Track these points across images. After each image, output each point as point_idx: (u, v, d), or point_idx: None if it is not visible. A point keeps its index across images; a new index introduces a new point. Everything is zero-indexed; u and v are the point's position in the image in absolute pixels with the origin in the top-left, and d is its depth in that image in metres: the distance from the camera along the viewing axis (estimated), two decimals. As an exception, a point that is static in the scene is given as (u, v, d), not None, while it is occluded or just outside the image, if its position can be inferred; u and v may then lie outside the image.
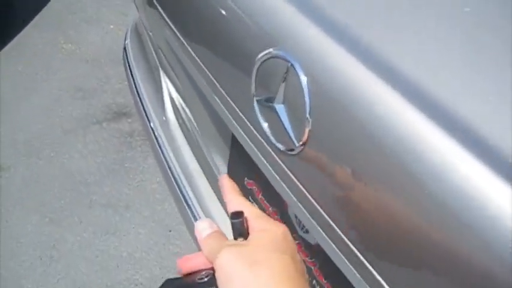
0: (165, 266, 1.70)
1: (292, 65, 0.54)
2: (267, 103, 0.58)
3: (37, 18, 2.78)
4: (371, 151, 0.47)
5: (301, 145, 0.54)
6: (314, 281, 0.73)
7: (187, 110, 1.05)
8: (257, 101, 0.60)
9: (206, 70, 0.74)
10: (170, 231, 1.80)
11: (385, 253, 0.49)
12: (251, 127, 0.63)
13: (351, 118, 0.49)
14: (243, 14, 0.63)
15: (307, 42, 0.54)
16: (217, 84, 0.72)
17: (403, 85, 0.46)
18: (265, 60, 0.58)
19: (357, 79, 0.49)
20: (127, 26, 1.44)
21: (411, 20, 0.53)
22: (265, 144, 0.62)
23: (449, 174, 0.41)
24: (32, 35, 2.67)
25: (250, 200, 0.84)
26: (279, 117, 0.56)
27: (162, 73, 1.15)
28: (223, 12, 0.65)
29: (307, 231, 0.72)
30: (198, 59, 0.76)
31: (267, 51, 0.57)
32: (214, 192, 1.01)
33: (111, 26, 2.74)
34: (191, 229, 1.02)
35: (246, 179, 0.85)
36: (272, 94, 0.57)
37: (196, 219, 0.99)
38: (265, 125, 0.59)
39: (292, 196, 0.60)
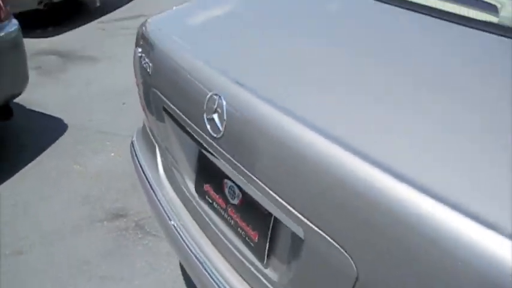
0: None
1: (220, 97, 1.19)
2: (209, 116, 1.21)
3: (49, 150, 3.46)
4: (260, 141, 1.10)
5: (223, 133, 1.17)
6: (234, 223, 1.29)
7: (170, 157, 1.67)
8: (206, 116, 1.23)
9: (180, 110, 1.39)
10: None
11: (299, 192, 1.08)
12: (200, 130, 1.26)
13: (248, 122, 1.12)
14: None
15: (228, 89, 1.19)
16: (183, 113, 1.36)
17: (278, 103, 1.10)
18: (210, 96, 1.22)
19: (250, 102, 1.13)
20: (126, 152, 2.07)
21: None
22: (207, 136, 1.24)
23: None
24: (45, 162, 3.33)
25: (207, 199, 1.42)
26: (215, 121, 1.19)
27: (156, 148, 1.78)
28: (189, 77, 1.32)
29: (237, 197, 1.30)
30: (173, 104, 1.41)
31: (210, 93, 1.22)
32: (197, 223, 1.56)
33: (112, 154, 3.41)
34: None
35: (204, 184, 1.44)
36: (212, 111, 1.21)
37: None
38: (208, 126, 1.22)
39: (226, 164, 1.20)
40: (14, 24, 3.19)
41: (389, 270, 0.82)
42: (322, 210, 0.93)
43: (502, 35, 1.21)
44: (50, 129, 3.71)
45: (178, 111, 1.38)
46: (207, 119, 1.21)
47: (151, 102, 1.62)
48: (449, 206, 0.75)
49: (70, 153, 3.43)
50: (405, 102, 1.01)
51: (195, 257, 1.38)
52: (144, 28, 1.73)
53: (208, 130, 1.21)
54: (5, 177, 3.14)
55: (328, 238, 0.91)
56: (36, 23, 5.59)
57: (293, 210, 0.99)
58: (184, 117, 1.35)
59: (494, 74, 1.08)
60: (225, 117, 1.15)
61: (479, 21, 1.27)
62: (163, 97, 1.49)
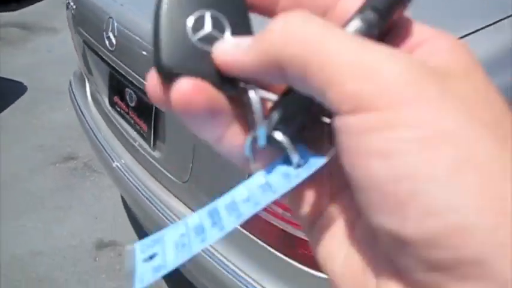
0: None
1: (112, 18, 1.53)
2: (107, 34, 1.56)
3: (10, 108, 3.78)
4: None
5: (115, 46, 1.52)
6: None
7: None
8: (105, 35, 1.58)
9: (91, 37, 1.74)
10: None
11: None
12: (102, 47, 1.61)
13: (131, 36, 1.47)
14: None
15: (116, 12, 1.54)
16: (93, 38, 1.71)
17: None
18: (107, 19, 1.57)
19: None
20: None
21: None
22: (106, 51, 1.59)
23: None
24: (6, 118, 3.65)
25: (116, 108, 1.77)
26: (110, 38, 1.54)
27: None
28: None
29: (134, 101, 1.65)
30: (88, 34, 1.76)
31: (107, 16, 1.57)
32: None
33: (67, 109, 3.74)
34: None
35: (114, 97, 1.79)
36: (109, 30, 1.55)
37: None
38: (106, 42, 1.57)
39: (123, 73, 1.56)
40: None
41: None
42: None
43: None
44: (11, 90, 4.02)
45: (90, 38, 1.73)
46: (106, 37, 1.56)
47: (77, 39, 1.96)
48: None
49: (29, 110, 3.75)
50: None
51: (106, 152, 1.74)
52: (72, -21, 2.06)
53: (107, 46, 1.56)
54: (-31, 131, 3.46)
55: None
56: (-1, -1, 5.81)
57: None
58: (93, 41, 1.69)
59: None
60: (115, 33, 1.50)
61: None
62: (82, 31, 1.83)
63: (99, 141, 1.87)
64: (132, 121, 1.66)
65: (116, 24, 1.51)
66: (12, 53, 4.81)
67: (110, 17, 1.53)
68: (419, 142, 0.19)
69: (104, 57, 1.66)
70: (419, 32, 0.23)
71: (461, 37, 1.01)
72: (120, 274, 2.31)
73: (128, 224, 2.59)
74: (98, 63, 1.82)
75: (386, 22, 0.23)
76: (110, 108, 1.83)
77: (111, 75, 1.73)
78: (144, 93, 1.47)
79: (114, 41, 1.51)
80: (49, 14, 5.79)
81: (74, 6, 1.91)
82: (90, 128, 1.94)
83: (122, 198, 2.74)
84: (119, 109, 1.75)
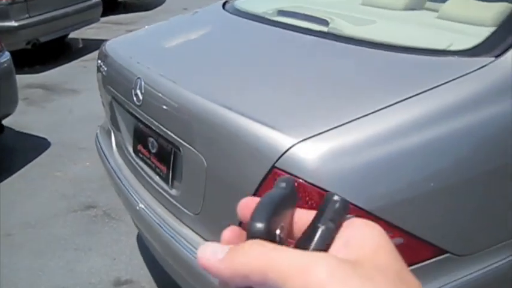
0: None
1: (140, 79, 1.85)
2: (135, 91, 1.87)
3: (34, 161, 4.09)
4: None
5: (142, 101, 1.83)
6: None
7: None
8: (133, 92, 1.90)
9: (120, 94, 2.06)
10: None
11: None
12: (130, 102, 1.93)
13: (156, 93, 1.79)
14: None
15: (144, 73, 1.86)
16: (122, 95, 2.03)
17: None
18: (135, 79, 1.89)
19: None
20: (99, 162, 2.70)
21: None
22: (134, 105, 1.90)
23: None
24: (31, 170, 3.96)
25: (139, 155, 2.06)
26: (138, 94, 1.86)
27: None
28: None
29: (155, 147, 1.94)
30: (117, 92, 2.08)
31: (135, 77, 1.89)
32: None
33: (87, 163, 4.05)
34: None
35: (138, 145, 2.09)
36: (137, 88, 1.87)
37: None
38: (134, 98, 1.88)
39: (147, 123, 1.86)
40: (6, 55, 3.88)
41: (219, 158, 1.48)
42: (192, 136, 1.60)
43: (330, 39, 1.90)
44: (36, 145, 4.35)
45: (119, 95, 2.05)
46: (134, 94, 1.87)
47: (106, 96, 2.28)
48: (248, 118, 1.42)
49: (52, 163, 4.06)
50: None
51: (131, 195, 2.02)
52: (103, 47, 2.41)
53: (134, 101, 1.87)
54: (-3, 182, 3.77)
55: (192, 148, 1.57)
56: (24, 62, 6.24)
57: (180, 140, 1.65)
58: (122, 97, 2.01)
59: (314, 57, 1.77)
60: (143, 91, 1.81)
61: (315, 30, 1.97)
62: (112, 89, 2.16)
63: (124, 186, 2.15)
64: (153, 165, 1.94)
65: (143, 83, 1.82)
66: (36, 112, 5.18)
67: (138, 78, 1.85)
68: None
69: (131, 110, 1.97)
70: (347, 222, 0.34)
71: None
72: (135, 309, 2.54)
73: (143, 265, 2.82)
74: (125, 117, 2.12)
75: (339, 226, 0.34)
76: (133, 155, 2.12)
77: (136, 126, 2.03)
78: (164, 140, 1.77)
79: (141, 97, 1.83)
80: (70, 77, 6.22)
81: (106, 69, 2.24)
82: (116, 174, 2.23)
83: (138, 242, 2.99)
84: (141, 155, 2.04)
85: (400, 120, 1.38)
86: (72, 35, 7.63)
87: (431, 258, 1.43)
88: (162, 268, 2.64)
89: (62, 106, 5.35)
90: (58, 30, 6.67)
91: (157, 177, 1.94)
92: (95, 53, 7.11)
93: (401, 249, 1.18)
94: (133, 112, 1.94)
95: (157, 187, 1.92)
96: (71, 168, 3.99)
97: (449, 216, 1.44)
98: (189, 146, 1.59)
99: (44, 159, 4.14)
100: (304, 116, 1.44)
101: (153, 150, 1.93)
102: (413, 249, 1.40)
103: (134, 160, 2.12)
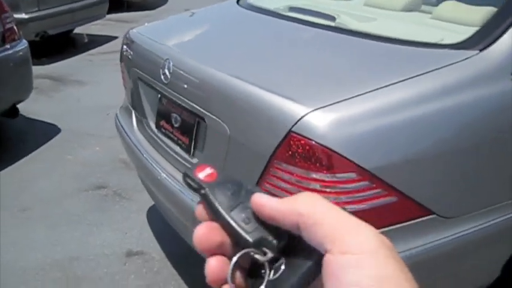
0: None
1: (169, 60, 2.09)
2: (163, 71, 2.11)
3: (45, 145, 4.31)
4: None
5: (170, 79, 2.07)
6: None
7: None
8: (161, 72, 2.14)
9: (148, 74, 2.30)
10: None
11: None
12: (158, 81, 2.17)
13: (183, 72, 2.03)
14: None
15: (173, 55, 2.10)
16: (150, 75, 2.26)
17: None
18: (164, 60, 2.13)
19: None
20: (107, 147, 2.94)
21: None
22: (161, 84, 2.14)
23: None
24: (44, 153, 4.18)
25: (162, 130, 2.30)
26: (166, 73, 2.10)
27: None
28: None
29: (178, 122, 2.18)
30: (144, 73, 2.32)
31: (164, 58, 2.13)
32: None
33: (97, 148, 4.27)
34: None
35: (161, 121, 2.32)
36: (165, 68, 2.11)
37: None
38: (162, 77, 2.12)
39: (173, 99, 2.10)
40: (24, 43, 4.10)
41: (240, 126, 1.72)
42: (217, 108, 1.84)
43: (337, 32, 2.15)
44: (46, 131, 4.57)
45: (147, 76, 2.28)
46: (162, 73, 2.11)
47: (131, 78, 2.52)
48: (268, 91, 1.66)
49: (63, 148, 4.28)
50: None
51: (155, 168, 2.25)
52: (128, 34, 2.65)
53: (162, 80, 2.11)
54: (12, 162, 3.97)
55: (217, 118, 1.81)
56: (32, 53, 6.43)
57: (206, 112, 1.89)
58: (150, 77, 2.25)
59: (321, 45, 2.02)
60: (171, 70, 2.05)
61: (323, 25, 2.22)
62: (138, 70, 2.40)
63: (146, 159, 2.38)
64: (176, 138, 2.18)
65: (171, 63, 2.06)
66: (45, 101, 5.40)
67: (167, 59, 2.09)
68: (377, 279, 0.35)
69: (158, 88, 2.20)
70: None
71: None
72: (146, 276, 2.76)
73: (153, 239, 3.05)
74: (149, 96, 2.36)
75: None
76: (155, 130, 2.35)
77: (161, 103, 2.27)
78: (189, 113, 2.01)
79: (169, 76, 2.06)
80: (76, 69, 6.44)
81: (131, 53, 2.48)
82: (137, 148, 2.46)
83: (148, 218, 3.22)
84: (164, 130, 2.27)
85: (397, 97, 1.63)
86: (76, 31, 7.85)
87: (419, 217, 1.68)
88: (170, 241, 2.88)
89: (70, 96, 5.56)
90: (66, 24, 6.90)
91: (178, 148, 2.17)
92: (100, 48, 7.42)
93: (394, 207, 1.46)
94: (160, 89, 2.17)
95: (178, 157, 2.15)
96: (80, 152, 4.21)
97: (438, 181, 1.68)
98: (214, 117, 1.83)
99: (55, 144, 4.36)
100: (315, 90, 1.69)
101: (176, 125, 2.16)
102: (404, 208, 1.64)
103: (156, 135, 2.35)
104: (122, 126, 2.70)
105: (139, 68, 2.38)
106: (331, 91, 1.67)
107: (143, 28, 2.70)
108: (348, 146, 1.53)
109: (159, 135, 2.32)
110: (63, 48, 7.36)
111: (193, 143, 2.05)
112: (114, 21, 8.86)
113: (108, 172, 3.84)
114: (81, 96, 5.53)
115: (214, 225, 0.41)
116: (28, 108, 4.80)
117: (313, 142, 1.51)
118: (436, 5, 2.47)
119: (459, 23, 2.13)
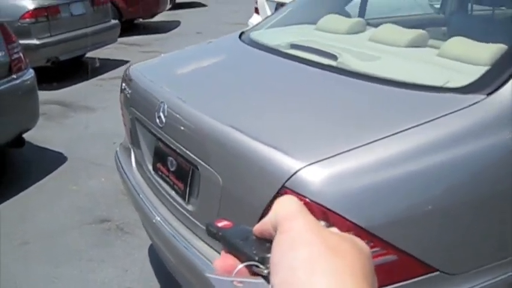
0: None
1: (163, 103, 2.03)
2: (158, 114, 2.05)
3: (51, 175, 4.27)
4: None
5: (165, 123, 2.00)
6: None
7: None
8: (157, 115, 2.08)
9: (144, 115, 2.24)
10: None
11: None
12: (153, 124, 2.11)
13: (178, 116, 1.97)
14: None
15: (168, 98, 2.04)
16: (145, 117, 2.20)
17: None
18: (159, 103, 2.07)
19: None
20: (114, 178, 2.88)
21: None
22: (157, 127, 2.07)
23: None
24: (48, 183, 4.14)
25: (159, 173, 2.23)
26: (161, 117, 2.03)
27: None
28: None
29: (174, 166, 2.11)
30: (141, 113, 2.26)
31: (159, 101, 2.07)
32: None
33: (103, 179, 4.22)
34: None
35: (157, 163, 2.25)
36: (160, 111, 2.05)
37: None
38: (157, 120, 2.06)
39: (168, 143, 2.04)
40: (30, 73, 4.09)
41: (234, 177, 1.64)
42: (211, 157, 1.77)
43: (338, 73, 2.08)
44: (53, 160, 4.54)
45: (143, 117, 2.23)
46: (157, 116, 2.05)
47: (129, 117, 2.46)
48: (262, 143, 1.59)
49: (69, 177, 4.24)
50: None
51: (148, 208, 2.19)
52: (127, 70, 2.60)
53: (157, 123, 2.05)
54: (15, 193, 3.94)
55: (210, 168, 1.74)
56: (42, 78, 6.45)
57: (199, 160, 1.82)
58: (146, 119, 2.19)
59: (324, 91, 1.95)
60: (166, 114, 1.99)
61: (325, 64, 2.15)
62: (135, 110, 2.34)
63: (143, 200, 2.32)
64: (171, 182, 2.11)
65: (166, 107, 2.00)
66: (53, 127, 5.39)
67: (162, 102, 2.03)
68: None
69: (153, 131, 2.14)
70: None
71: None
72: (145, 318, 2.68)
73: (153, 278, 2.97)
74: (146, 137, 2.30)
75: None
76: (152, 172, 2.29)
77: (157, 146, 2.21)
78: (184, 159, 1.94)
79: (164, 119, 2.00)
80: (86, 95, 6.44)
81: (129, 91, 2.43)
82: (135, 189, 2.40)
83: (149, 255, 3.14)
84: (160, 173, 2.21)
85: (398, 149, 1.54)
86: (88, 54, 7.88)
87: (422, 275, 1.58)
88: (172, 281, 2.79)
89: (78, 122, 5.55)
90: (77, 49, 6.93)
91: (174, 193, 2.10)
92: (111, 73, 7.42)
93: (394, 265, 1.36)
94: (156, 133, 2.11)
95: (174, 202, 2.08)
96: (86, 182, 4.16)
97: (441, 237, 1.59)
98: (207, 166, 1.76)
99: (61, 173, 4.32)
100: (311, 142, 1.61)
101: (172, 169, 2.09)
102: (406, 266, 1.55)
103: (153, 177, 2.29)
104: (121, 165, 2.64)
105: (137, 109, 2.33)
106: (327, 144, 1.59)
107: (143, 65, 2.65)
108: (343, 203, 1.45)
109: (156, 177, 2.25)
110: (74, 73, 7.39)
111: (188, 189, 1.98)
112: (127, 44, 8.90)
113: (111, 205, 3.79)
114: (89, 123, 5.51)
115: (229, 255, 0.52)
116: (37, 135, 4.78)
117: (307, 200, 1.43)
118: (444, 39, 2.38)
119: (467, 61, 2.04)
